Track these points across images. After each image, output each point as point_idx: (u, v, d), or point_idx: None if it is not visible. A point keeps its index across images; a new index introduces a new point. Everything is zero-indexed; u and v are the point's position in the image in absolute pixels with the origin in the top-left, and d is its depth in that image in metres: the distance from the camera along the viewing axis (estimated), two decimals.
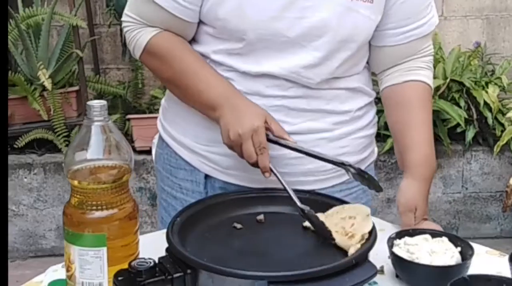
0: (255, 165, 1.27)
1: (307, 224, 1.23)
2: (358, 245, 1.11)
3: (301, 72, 1.34)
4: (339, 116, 1.41)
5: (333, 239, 1.16)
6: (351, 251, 1.11)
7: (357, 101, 1.43)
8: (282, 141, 1.28)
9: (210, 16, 1.33)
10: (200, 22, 1.37)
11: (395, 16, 1.39)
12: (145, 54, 1.39)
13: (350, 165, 1.27)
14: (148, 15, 1.36)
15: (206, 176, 1.44)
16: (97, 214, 1.04)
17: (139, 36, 1.38)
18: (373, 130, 1.50)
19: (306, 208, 1.21)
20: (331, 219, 1.20)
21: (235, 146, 1.28)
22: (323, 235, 1.18)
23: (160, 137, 1.53)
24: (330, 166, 1.35)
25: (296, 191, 1.25)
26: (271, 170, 1.27)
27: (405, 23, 1.40)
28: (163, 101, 1.53)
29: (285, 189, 1.24)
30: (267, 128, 1.28)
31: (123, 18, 1.41)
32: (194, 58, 1.37)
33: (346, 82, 1.40)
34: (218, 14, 1.31)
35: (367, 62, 1.46)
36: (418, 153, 1.40)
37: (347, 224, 1.17)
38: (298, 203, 1.21)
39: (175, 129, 1.47)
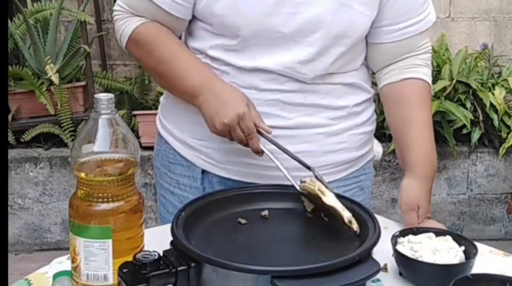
0: (247, 146, 1.29)
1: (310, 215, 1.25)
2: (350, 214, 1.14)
3: (296, 68, 1.34)
4: (335, 111, 1.41)
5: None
6: (346, 220, 1.14)
7: (354, 97, 1.43)
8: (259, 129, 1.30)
9: (206, 13, 1.34)
10: (197, 18, 1.37)
11: (389, 13, 1.39)
12: (130, 43, 1.39)
13: (310, 168, 1.27)
14: (137, 6, 1.37)
15: (203, 171, 1.44)
16: (103, 206, 1.05)
17: (125, 25, 1.38)
18: (371, 127, 1.50)
19: (304, 191, 1.23)
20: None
21: (224, 133, 1.30)
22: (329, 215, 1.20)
23: (159, 134, 1.53)
24: (325, 162, 1.37)
25: (285, 186, 1.27)
26: (263, 151, 1.28)
27: (400, 19, 1.40)
28: (161, 98, 1.54)
29: (278, 168, 1.26)
30: None
31: (114, 7, 1.41)
32: (176, 47, 1.37)
33: (341, 78, 1.40)
34: (213, 11, 1.32)
35: (365, 60, 1.46)
36: (418, 150, 1.40)
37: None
38: (294, 183, 1.24)
39: (172, 126, 1.47)
